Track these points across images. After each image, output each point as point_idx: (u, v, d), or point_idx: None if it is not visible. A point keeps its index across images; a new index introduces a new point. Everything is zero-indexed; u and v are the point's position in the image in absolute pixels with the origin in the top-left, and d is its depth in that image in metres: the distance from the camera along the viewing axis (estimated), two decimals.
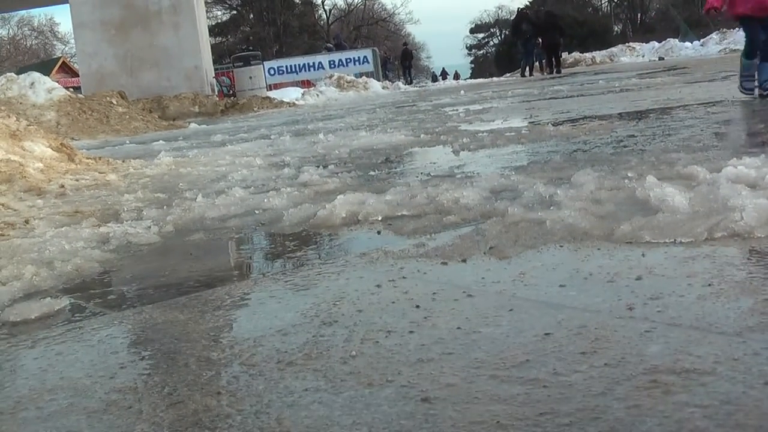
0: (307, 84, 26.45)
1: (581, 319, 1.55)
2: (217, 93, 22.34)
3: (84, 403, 1.39)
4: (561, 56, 25.69)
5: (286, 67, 29.57)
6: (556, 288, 1.81)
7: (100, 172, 5.75)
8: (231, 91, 22.92)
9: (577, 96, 10.09)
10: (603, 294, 1.71)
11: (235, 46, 53.76)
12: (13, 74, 16.38)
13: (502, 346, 1.45)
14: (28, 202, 4.43)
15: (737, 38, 28.32)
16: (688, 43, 30.80)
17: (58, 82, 17.95)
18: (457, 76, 48.81)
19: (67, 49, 54.41)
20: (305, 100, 20.34)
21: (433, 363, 1.39)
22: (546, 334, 1.48)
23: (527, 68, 24.87)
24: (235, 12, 59.97)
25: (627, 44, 35.06)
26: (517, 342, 1.46)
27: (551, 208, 2.62)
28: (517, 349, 1.42)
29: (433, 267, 2.13)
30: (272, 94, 21.38)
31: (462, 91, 16.47)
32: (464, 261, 2.15)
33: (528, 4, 53.60)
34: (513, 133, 5.64)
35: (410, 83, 33.06)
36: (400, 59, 39.02)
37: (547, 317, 1.59)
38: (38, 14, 55.49)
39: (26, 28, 56.77)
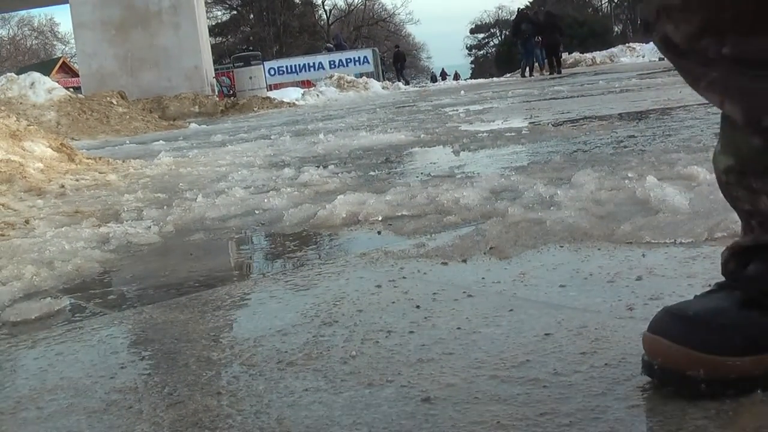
0: (307, 84, 26.48)
1: (581, 319, 1.55)
2: (217, 93, 22.38)
3: (84, 403, 1.39)
4: (561, 56, 25.70)
5: (286, 67, 29.63)
6: (557, 288, 1.81)
7: (100, 172, 5.76)
8: (231, 92, 22.95)
9: (578, 96, 10.09)
10: (603, 294, 1.71)
11: (235, 46, 53.84)
12: (13, 74, 16.41)
13: (503, 346, 1.45)
14: (28, 202, 4.43)
15: None
16: None
17: (58, 82, 17.97)
18: (457, 77, 48.85)
19: (67, 49, 54.47)
20: (305, 101, 20.36)
21: (433, 363, 1.39)
22: (546, 334, 1.48)
23: (527, 68, 24.89)
24: (235, 12, 60.05)
25: (627, 45, 35.05)
26: (517, 342, 1.46)
27: (551, 208, 2.63)
28: (517, 350, 1.42)
29: (434, 267, 2.13)
30: (272, 94, 21.41)
31: (462, 92, 16.49)
32: (464, 261, 2.15)
33: (528, 4, 53.65)
34: (513, 134, 5.65)
35: (407, 84, 33.05)
36: (392, 61, 38.99)
37: (547, 317, 1.59)
38: (38, 14, 55.55)
39: (26, 28, 56.85)
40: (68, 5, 21.95)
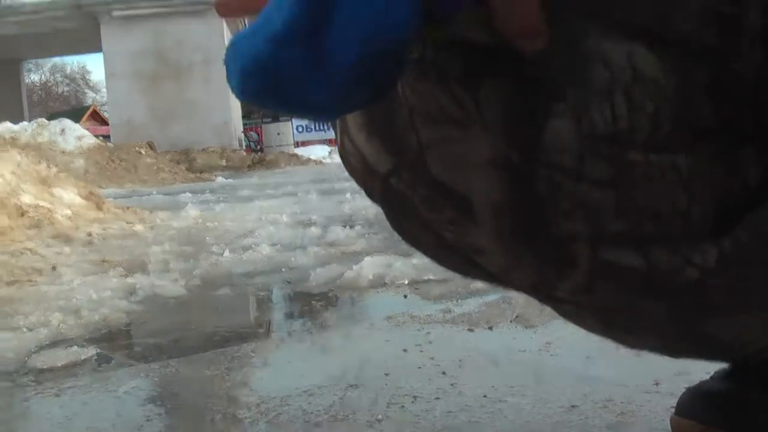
0: (334, 142, 26.60)
1: (608, 391, 1.54)
2: (244, 148, 22.53)
3: None
4: None
5: (315, 124, 29.78)
6: (583, 359, 1.80)
7: (127, 222, 5.80)
8: (258, 147, 23.11)
9: None
10: (630, 367, 1.71)
11: None
12: (44, 120, 16.64)
13: (528, 416, 1.45)
14: (55, 249, 4.47)
15: None
16: None
17: (87, 129, 18.21)
18: None
19: (97, 97, 55.02)
20: (332, 158, 20.48)
21: (459, 431, 1.40)
22: (572, 405, 1.48)
23: None
24: None
25: None
26: (543, 413, 1.46)
27: None
28: (543, 420, 1.42)
29: (460, 333, 2.14)
30: (299, 151, 21.57)
31: None
32: (490, 328, 2.16)
33: None
34: None
35: None
36: None
37: (572, 388, 1.58)
38: (71, 62, 56.13)
39: (59, 75, 57.50)
40: (101, 54, 22.30)
